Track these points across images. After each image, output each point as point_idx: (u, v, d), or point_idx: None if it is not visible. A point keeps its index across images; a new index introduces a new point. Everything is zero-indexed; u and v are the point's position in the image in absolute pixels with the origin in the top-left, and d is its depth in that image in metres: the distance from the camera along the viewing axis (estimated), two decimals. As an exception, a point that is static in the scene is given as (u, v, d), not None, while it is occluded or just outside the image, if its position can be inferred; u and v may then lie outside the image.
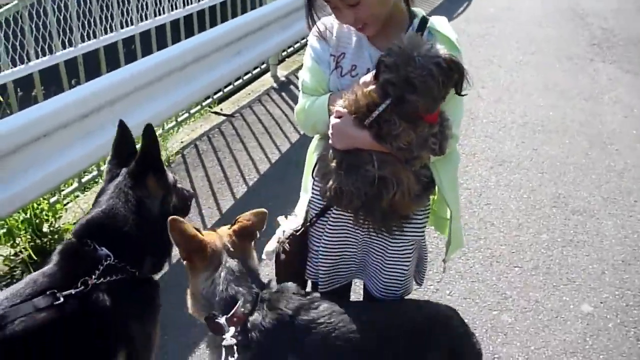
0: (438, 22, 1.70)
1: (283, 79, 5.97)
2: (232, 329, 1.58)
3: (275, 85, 5.83)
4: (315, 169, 1.81)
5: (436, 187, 1.79)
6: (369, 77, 1.63)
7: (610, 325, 2.87)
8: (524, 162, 4.41)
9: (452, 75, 1.51)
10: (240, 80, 5.58)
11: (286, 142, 4.63)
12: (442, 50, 1.52)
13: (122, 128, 1.90)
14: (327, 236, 1.86)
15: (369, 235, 1.83)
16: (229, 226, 1.80)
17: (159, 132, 4.42)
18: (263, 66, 5.99)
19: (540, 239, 3.51)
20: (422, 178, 1.69)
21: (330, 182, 1.65)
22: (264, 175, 4.16)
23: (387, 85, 1.51)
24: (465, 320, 2.80)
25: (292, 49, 6.47)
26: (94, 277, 1.65)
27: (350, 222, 1.77)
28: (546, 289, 3.09)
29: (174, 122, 4.68)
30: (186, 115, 4.85)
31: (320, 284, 1.95)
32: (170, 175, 1.93)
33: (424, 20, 1.69)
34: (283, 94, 5.61)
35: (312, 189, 1.89)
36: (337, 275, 1.95)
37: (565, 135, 4.88)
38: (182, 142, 4.63)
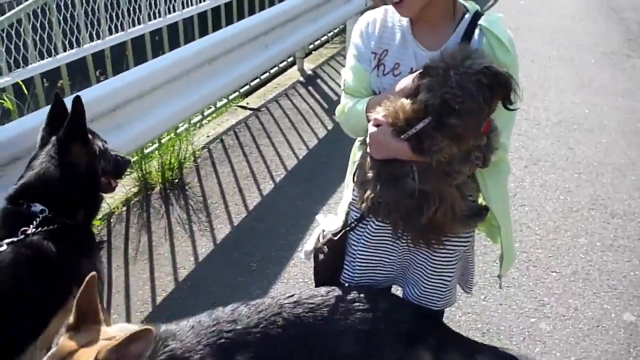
0: (491, 20, 1.56)
1: (310, 72, 5.88)
2: None
3: (301, 79, 5.74)
4: (355, 174, 1.71)
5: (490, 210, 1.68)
6: (406, 82, 1.51)
7: (656, 336, 2.74)
8: (559, 162, 4.26)
9: (496, 90, 1.39)
10: (266, 74, 5.50)
11: (314, 137, 4.54)
12: (485, 62, 1.39)
13: (57, 101, 2.09)
14: (366, 241, 1.78)
15: (409, 246, 1.74)
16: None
17: (184, 126, 4.37)
18: (289, 59, 5.90)
19: (579, 243, 3.37)
20: (469, 197, 1.59)
21: (368, 192, 1.56)
22: (291, 172, 4.07)
23: (425, 107, 1.40)
24: (502, 327, 2.75)
25: (318, 42, 6.37)
26: (31, 227, 1.85)
27: (391, 231, 1.68)
28: (586, 296, 2.96)
29: (200, 116, 4.62)
30: (212, 109, 4.79)
31: (357, 284, 1.87)
32: (98, 143, 2.14)
33: (476, 17, 1.57)
34: (310, 88, 5.52)
35: (353, 192, 1.80)
36: (374, 280, 1.86)
37: (602, 134, 4.71)
38: (208, 136, 4.57)
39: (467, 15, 1.58)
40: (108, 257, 3.21)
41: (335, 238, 1.79)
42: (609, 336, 2.73)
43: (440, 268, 1.75)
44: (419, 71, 1.46)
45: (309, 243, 1.89)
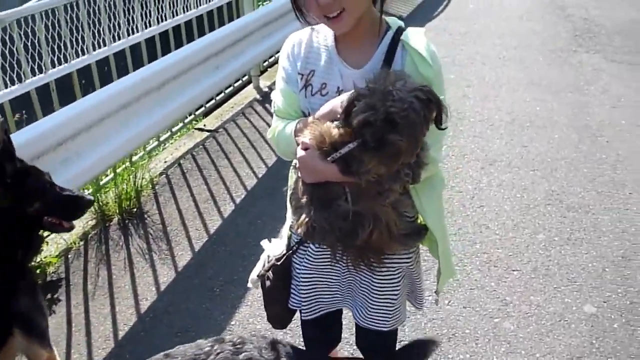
0: (412, 36, 1.56)
1: (266, 89, 5.87)
2: None
3: (258, 96, 5.74)
4: (289, 199, 1.71)
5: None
6: (333, 104, 1.50)
7: (616, 325, 2.78)
8: (514, 160, 4.33)
9: (432, 107, 1.39)
10: (222, 94, 5.49)
11: (272, 155, 4.53)
12: (416, 83, 1.40)
13: None
14: (308, 264, 1.76)
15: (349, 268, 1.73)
16: None
17: (140, 154, 4.31)
18: (245, 78, 5.90)
19: (537, 239, 3.42)
20: (406, 214, 1.59)
21: (302, 217, 1.55)
22: (251, 192, 4.05)
23: (362, 127, 1.36)
24: (467, 330, 2.77)
25: (273, 58, 6.37)
26: None
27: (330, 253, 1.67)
28: (547, 292, 3.01)
29: (156, 142, 4.57)
30: (168, 134, 4.74)
31: (303, 312, 1.85)
32: (37, 184, 2.06)
33: (399, 32, 1.57)
34: (267, 105, 5.51)
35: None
36: (321, 303, 1.85)
37: (553, 129, 4.81)
38: (165, 162, 4.52)
39: (389, 32, 1.58)
40: (67, 295, 3.13)
41: (279, 263, 1.77)
42: (571, 330, 2.77)
43: (384, 288, 1.73)
44: (348, 96, 1.43)
45: (255, 270, 1.86)
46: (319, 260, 1.73)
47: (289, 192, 1.80)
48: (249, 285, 1.88)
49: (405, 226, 1.59)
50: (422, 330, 2.78)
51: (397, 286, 1.75)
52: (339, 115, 1.45)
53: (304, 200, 1.55)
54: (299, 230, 1.59)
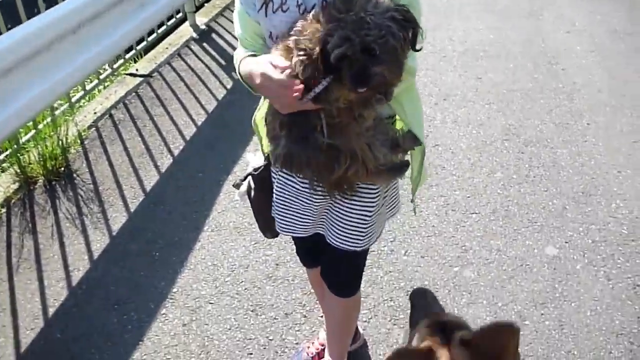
0: None
1: (203, 27, 5.41)
2: None
3: (195, 35, 5.27)
4: (266, 125, 1.58)
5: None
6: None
7: (579, 267, 2.67)
8: (468, 94, 4.12)
9: (409, 28, 1.26)
10: (154, 34, 5.01)
11: (212, 100, 4.17)
12: (387, 3, 1.25)
13: None
14: (279, 184, 1.73)
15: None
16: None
17: (64, 106, 3.89)
18: (179, 15, 5.41)
19: (495, 179, 3.26)
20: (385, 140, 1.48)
21: (280, 148, 1.46)
22: (190, 142, 3.72)
23: (340, 62, 1.21)
24: (426, 282, 2.62)
25: (210, -8, 5.87)
26: None
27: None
28: (507, 235, 2.87)
29: (82, 92, 4.13)
30: (96, 82, 4.30)
31: (278, 227, 1.82)
32: None
33: None
34: (205, 44, 5.08)
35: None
36: (294, 219, 1.75)
37: (508, 59, 4.60)
38: (95, 113, 4.10)
39: None
40: (-13, 271, 2.82)
41: (256, 173, 1.77)
42: (533, 274, 2.65)
43: (357, 208, 1.65)
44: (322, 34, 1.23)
45: (243, 185, 1.85)
46: (290, 182, 1.69)
47: (257, 111, 1.72)
48: (237, 198, 1.87)
49: (387, 162, 1.49)
50: (379, 285, 2.62)
51: (373, 203, 1.65)
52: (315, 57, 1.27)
53: (280, 131, 1.46)
54: (277, 161, 1.50)
